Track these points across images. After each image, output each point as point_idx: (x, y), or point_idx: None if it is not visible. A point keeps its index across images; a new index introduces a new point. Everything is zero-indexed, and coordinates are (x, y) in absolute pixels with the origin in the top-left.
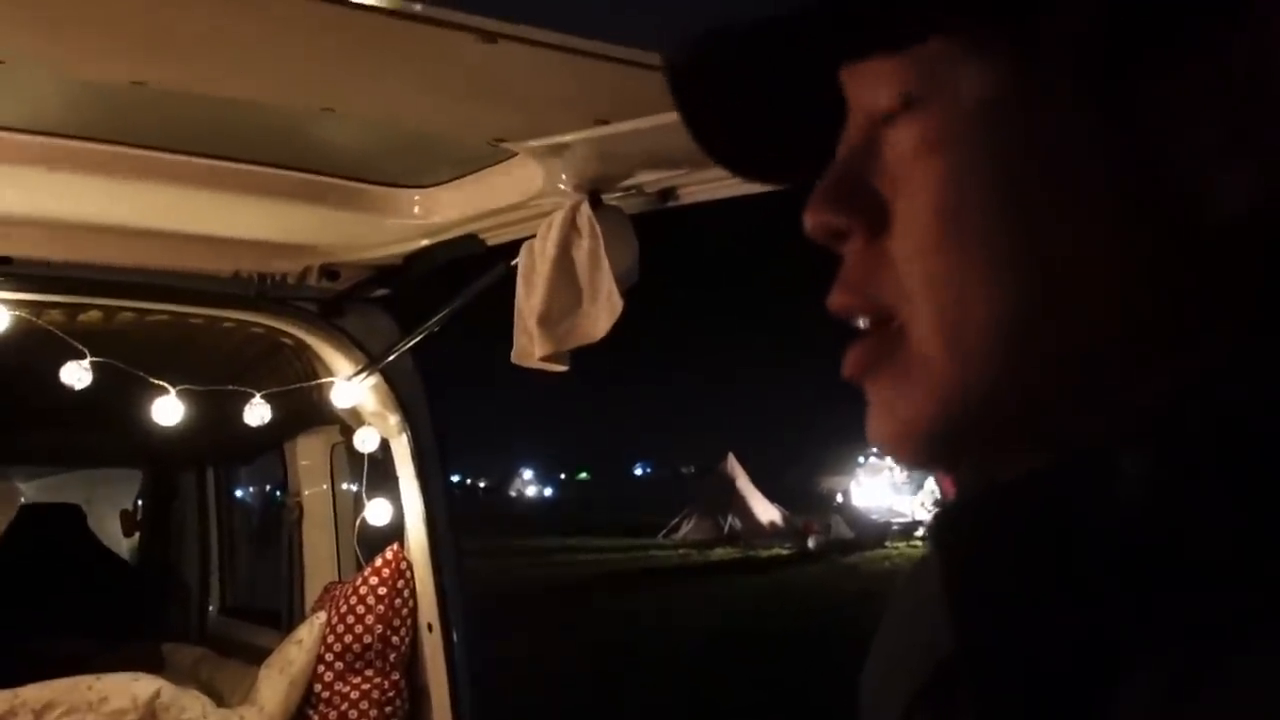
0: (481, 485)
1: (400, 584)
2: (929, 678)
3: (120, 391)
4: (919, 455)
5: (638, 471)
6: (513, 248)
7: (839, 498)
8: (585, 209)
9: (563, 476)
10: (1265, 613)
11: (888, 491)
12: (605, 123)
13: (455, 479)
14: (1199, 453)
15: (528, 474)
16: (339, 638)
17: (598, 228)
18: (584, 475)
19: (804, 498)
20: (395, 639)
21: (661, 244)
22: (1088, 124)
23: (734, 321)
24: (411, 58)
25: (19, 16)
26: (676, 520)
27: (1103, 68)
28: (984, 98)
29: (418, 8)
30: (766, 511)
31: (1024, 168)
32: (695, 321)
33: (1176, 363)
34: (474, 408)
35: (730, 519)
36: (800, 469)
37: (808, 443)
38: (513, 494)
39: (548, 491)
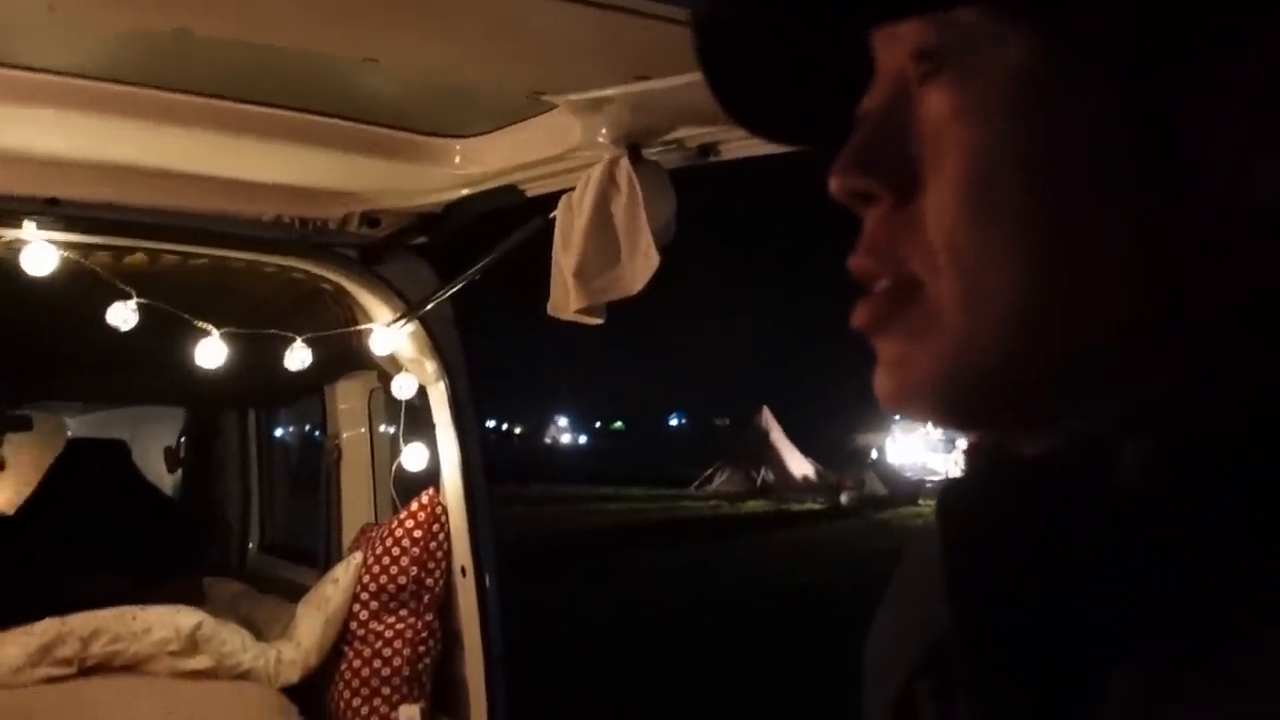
0: (516, 432)
1: (435, 528)
2: (929, 652)
3: (164, 332)
4: (921, 414)
5: (673, 422)
6: (551, 199)
7: (873, 454)
8: (624, 163)
9: (597, 425)
10: (1261, 602)
11: (922, 449)
12: (645, 78)
13: (490, 424)
14: (1200, 442)
15: (563, 422)
16: (374, 578)
17: (636, 183)
18: (619, 425)
19: (838, 453)
20: (429, 581)
21: (700, 194)
22: (1119, 109)
23: (773, 274)
24: (454, 11)
25: None
26: (709, 472)
27: (1136, 55)
28: (1018, 71)
29: None
30: (800, 465)
31: (1055, 146)
32: (733, 273)
33: (1188, 352)
34: (511, 354)
35: (763, 472)
36: (835, 424)
37: (843, 398)
38: (547, 441)
39: (582, 440)
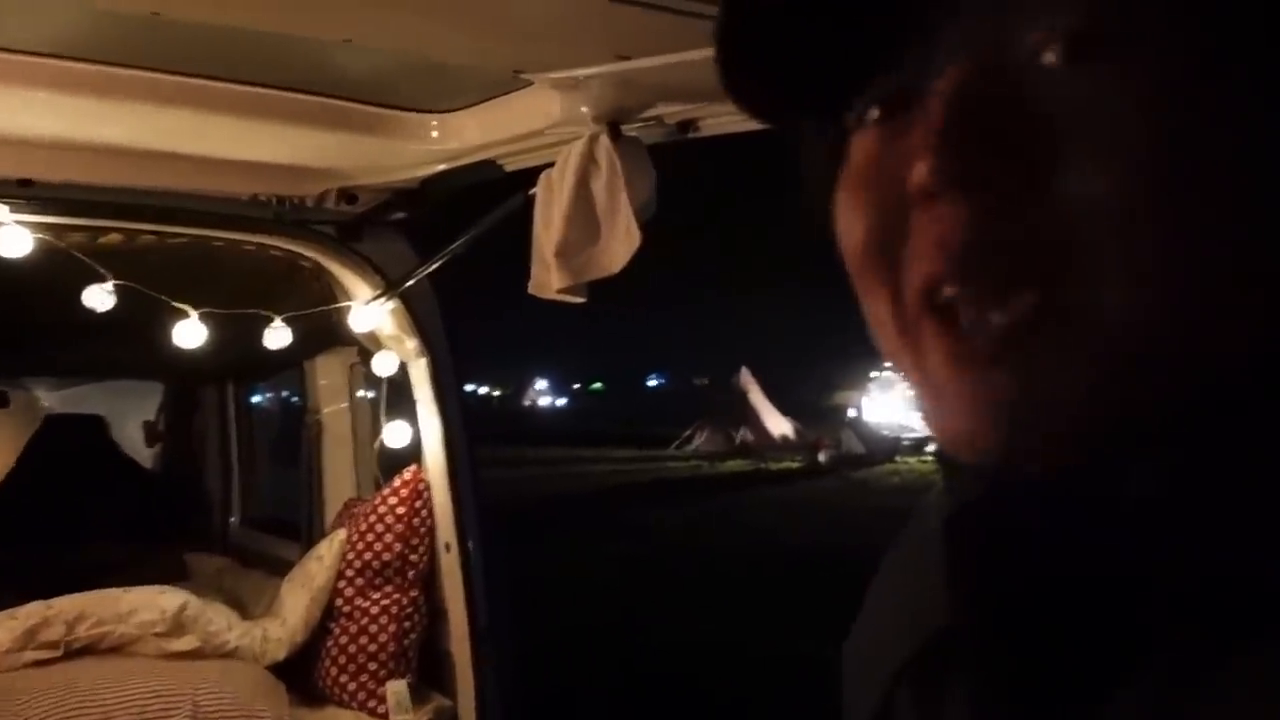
0: (496, 395)
1: (419, 504)
2: (921, 648)
3: (140, 307)
4: (1046, 452)
5: (651, 383)
6: (531, 174)
7: (851, 412)
8: (604, 140)
9: (576, 387)
10: (1266, 615)
11: (900, 407)
12: (625, 58)
13: (469, 388)
14: (1213, 459)
15: (542, 384)
16: (359, 554)
17: (616, 160)
18: (598, 386)
19: (816, 411)
20: (414, 557)
21: (677, 156)
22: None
23: (750, 232)
24: None
25: None
26: (689, 432)
27: None
28: (1186, 59)
29: None
30: (778, 424)
31: (1231, 144)
32: (710, 233)
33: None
34: (489, 317)
35: (742, 431)
36: (813, 382)
37: (821, 356)
38: (527, 404)
39: (561, 402)
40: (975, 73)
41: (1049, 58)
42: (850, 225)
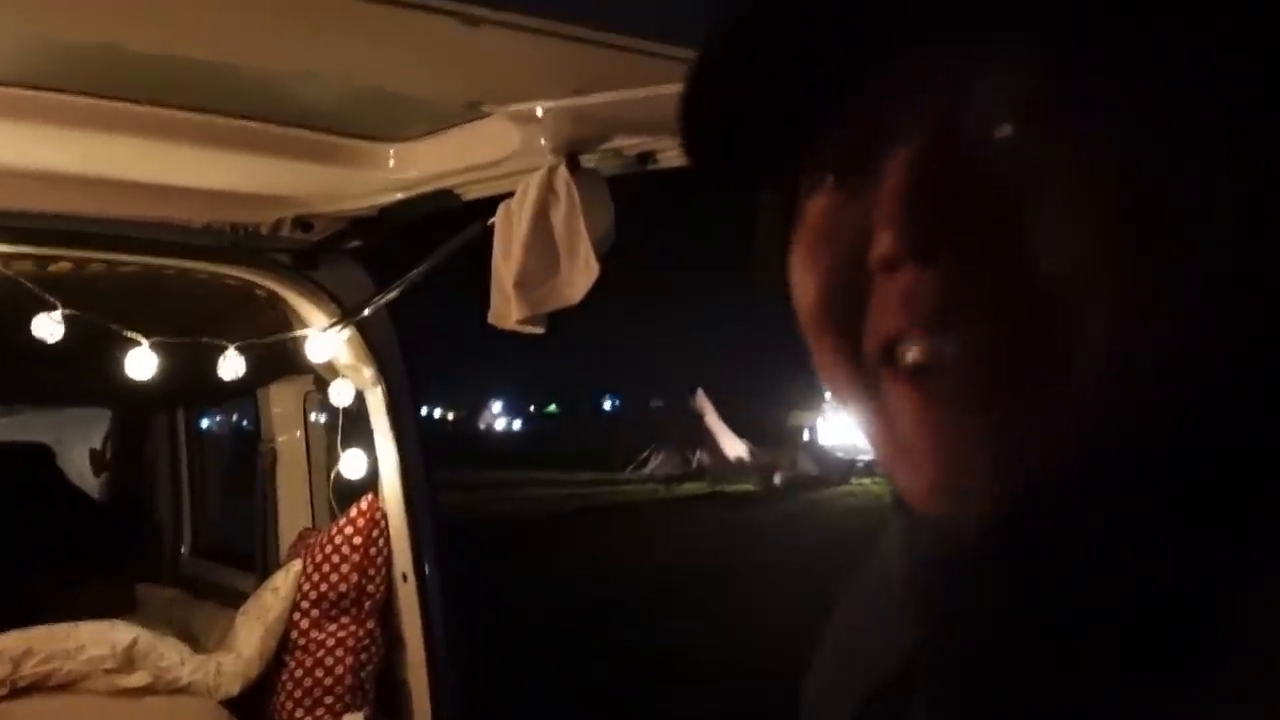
0: (450, 417)
1: (375, 534)
2: (885, 681)
3: (89, 333)
4: (1018, 492)
5: (606, 405)
6: (489, 203)
7: (805, 434)
8: (563, 172)
9: (531, 409)
10: (1226, 648)
11: (853, 429)
12: (582, 93)
13: (423, 412)
14: (1184, 503)
15: (497, 407)
16: (314, 586)
17: (575, 192)
18: (553, 408)
19: (771, 433)
20: (370, 588)
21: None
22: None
23: (703, 253)
24: (392, 33)
25: None
26: (645, 454)
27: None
28: (1136, 123)
29: None
30: (734, 447)
31: (1184, 201)
32: (664, 253)
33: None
34: (442, 339)
35: (698, 454)
36: (768, 404)
37: (776, 377)
38: (482, 427)
39: (517, 424)
40: (932, 145)
41: (1003, 127)
42: (804, 281)
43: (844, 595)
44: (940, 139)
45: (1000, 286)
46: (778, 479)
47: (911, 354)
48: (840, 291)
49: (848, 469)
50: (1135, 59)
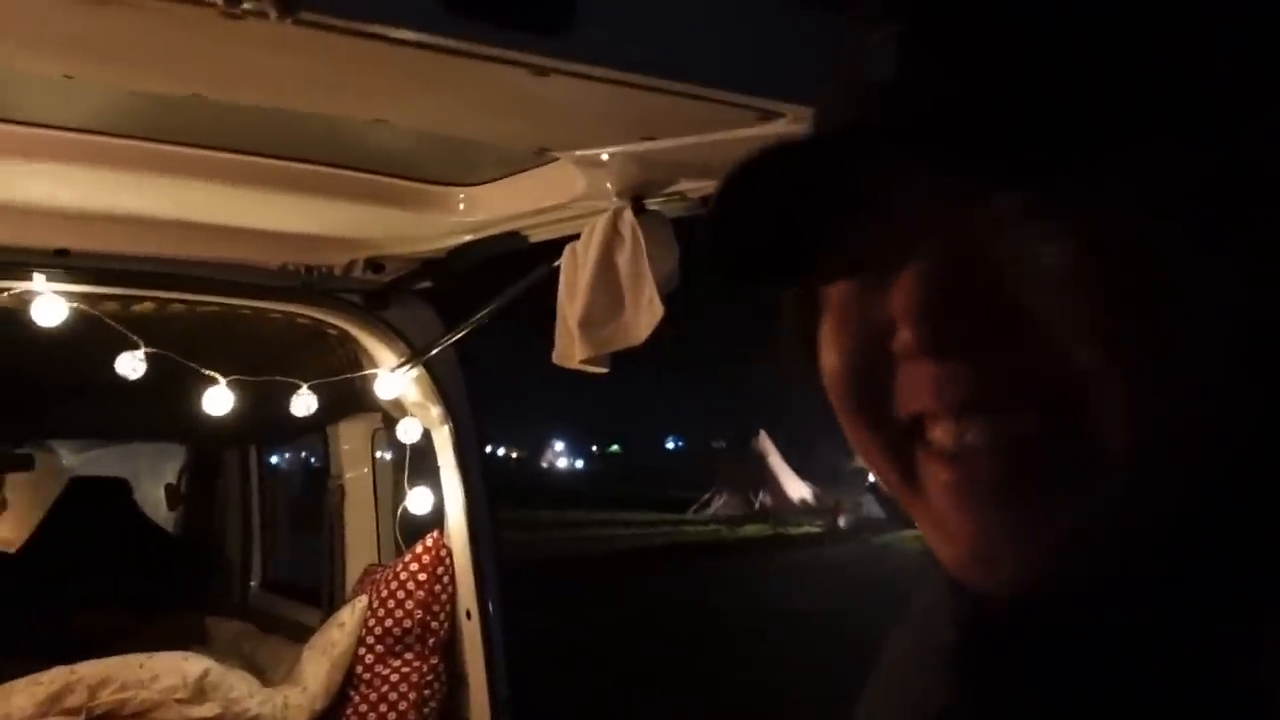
0: (514, 456)
1: (440, 571)
2: None
3: (166, 370)
4: (1054, 579)
5: (669, 445)
6: (555, 245)
7: (870, 476)
8: (628, 215)
9: (594, 449)
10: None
11: None
12: (650, 139)
13: (487, 449)
14: (1212, 581)
15: (559, 445)
16: (380, 621)
17: (640, 234)
18: (615, 448)
19: (836, 475)
20: (434, 624)
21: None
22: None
23: (769, 294)
24: (464, 84)
25: (89, 41)
26: (707, 495)
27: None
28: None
29: (476, 47)
30: (797, 489)
31: (1196, 281)
32: (729, 293)
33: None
34: (507, 376)
35: (761, 495)
36: (832, 446)
37: (839, 420)
38: (545, 465)
39: (579, 464)
40: (943, 247)
41: (1011, 225)
42: (831, 358)
43: (893, 636)
44: (950, 242)
45: (1019, 379)
46: (842, 521)
47: (938, 434)
48: (866, 368)
49: None
50: (1124, 166)
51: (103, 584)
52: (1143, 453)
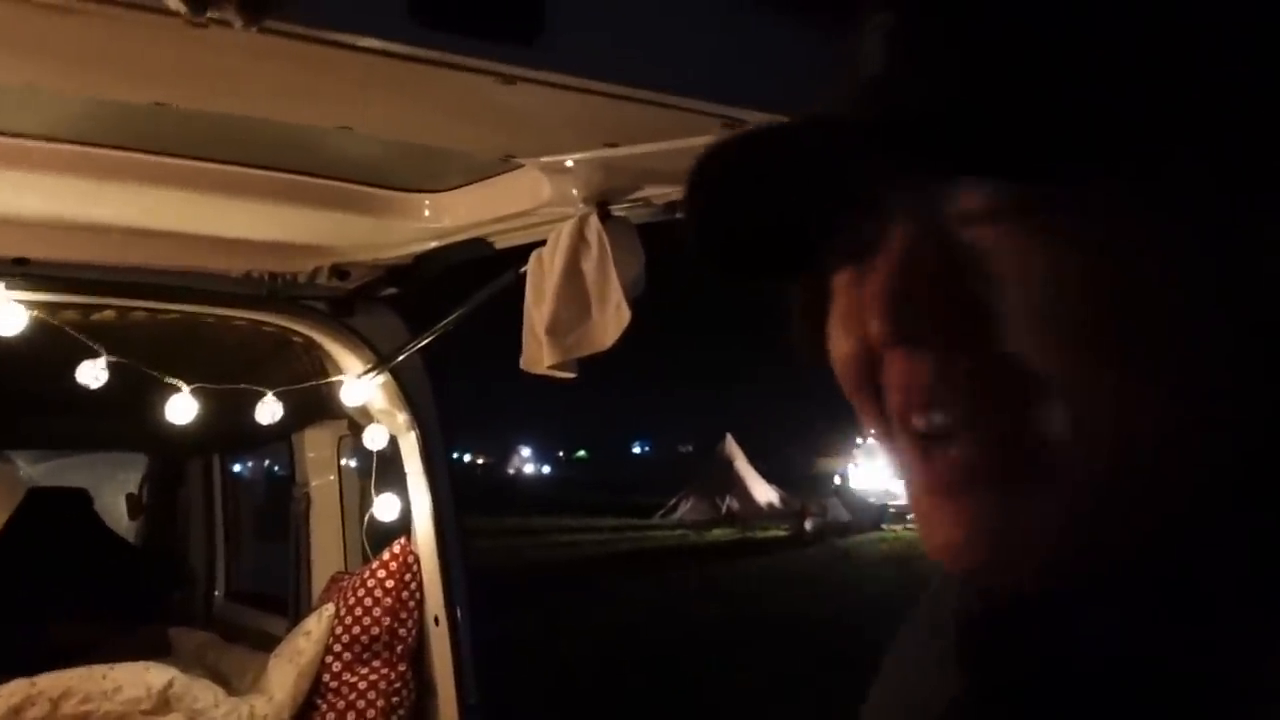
0: (480, 462)
1: (407, 577)
2: None
3: (127, 379)
4: (1013, 575)
5: (636, 450)
6: (521, 251)
7: (836, 479)
8: (594, 221)
9: (561, 455)
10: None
11: (885, 474)
12: (614, 145)
13: (453, 456)
14: (1179, 584)
15: (526, 452)
16: (347, 629)
17: (606, 240)
18: (582, 454)
19: (802, 479)
20: (402, 631)
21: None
22: (1202, 261)
23: (734, 299)
24: (431, 92)
25: (53, 50)
26: (674, 500)
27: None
28: (1097, 220)
29: (444, 55)
30: (764, 493)
31: (1162, 290)
32: (694, 298)
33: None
34: (472, 383)
35: (728, 500)
36: (798, 450)
37: (806, 424)
38: (511, 472)
39: (546, 469)
40: (912, 242)
41: (980, 224)
42: (838, 348)
43: (901, 631)
44: (918, 238)
45: (982, 374)
46: (809, 524)
47: (916, 425)
48: (864, 360)
49: (879, 514)
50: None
51: (64, 596)
52: (1110, 460)
